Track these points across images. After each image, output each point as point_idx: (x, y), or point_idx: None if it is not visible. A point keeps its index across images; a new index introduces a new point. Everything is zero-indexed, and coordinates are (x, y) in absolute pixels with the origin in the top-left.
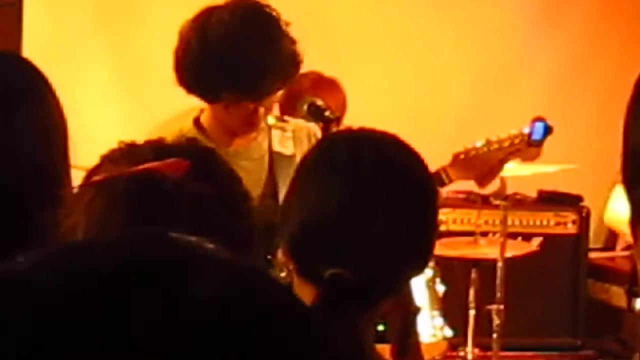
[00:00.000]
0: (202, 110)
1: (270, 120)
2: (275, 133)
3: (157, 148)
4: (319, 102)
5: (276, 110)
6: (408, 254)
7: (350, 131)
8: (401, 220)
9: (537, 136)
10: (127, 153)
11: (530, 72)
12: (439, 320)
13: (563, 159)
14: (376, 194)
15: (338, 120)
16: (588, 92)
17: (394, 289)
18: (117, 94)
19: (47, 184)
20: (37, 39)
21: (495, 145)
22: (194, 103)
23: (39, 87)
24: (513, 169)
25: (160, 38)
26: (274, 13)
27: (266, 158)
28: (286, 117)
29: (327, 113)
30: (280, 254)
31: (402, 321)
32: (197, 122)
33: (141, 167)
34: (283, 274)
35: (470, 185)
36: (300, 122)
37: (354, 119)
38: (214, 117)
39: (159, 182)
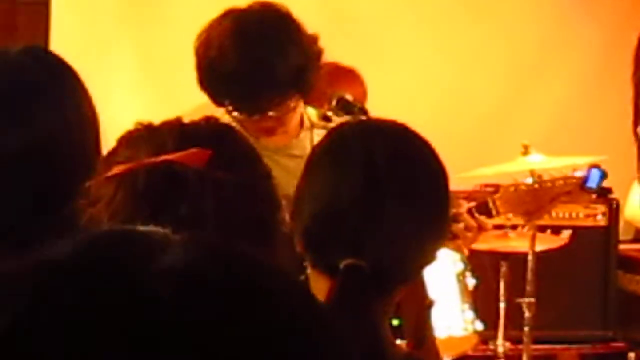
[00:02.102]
0: None
1: (314, 118)
2: (318, 132)
3: (176, 131)
4: (348, 97)
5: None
6: (421, 241)
7: (360, 121)
8: (413, 207)
9: (592, 184)
10: (147, 137)
11: (561, 62)
12: (470, 314)
13: (592, 151)
14: (388, 182)
15: (366, 114)
16: (619, 84)
17: (409, 277)
18: (144, 88)
19: (81, 174)
20: (65, 36)
21: (548, 184)
22: None
23: (66, 79)
24: (541, 162)
25: (186, 33)
26: (287, 22)
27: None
28: (330, 115)
29: (356, 108)
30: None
31: (416, 315)
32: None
33: (162, 158)
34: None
35: (498, 178)
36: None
37: (374, 111)
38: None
39: (182, 174)
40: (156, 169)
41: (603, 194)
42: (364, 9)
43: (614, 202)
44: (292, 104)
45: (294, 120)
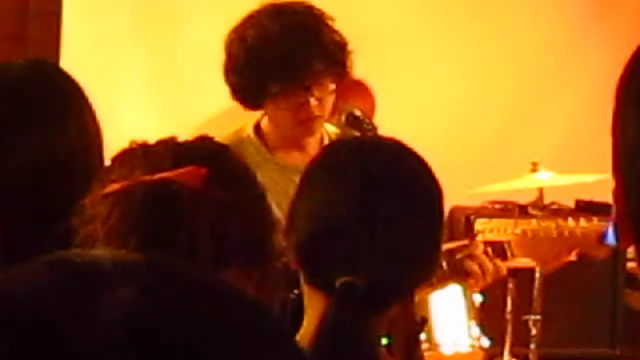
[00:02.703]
0: (263, 115)
1: (334, 136)
2: None
3: (172, 150)
4: (357, 112)
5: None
6: (416, 258)
7: (355, 138)
8: (409, 224)
9: (611, 240)
10: (142, 156)
11: (571, 80)
12: (476, 330)
13: (601, 168)
14: (384, 199)
15: (375, 130)
16: None
17: (404, 294)
18: (155, 101)
19: (82, 192)
20: (76, 47)
21: (566, 234)
22: (230, 110)
23: (68, 94)
24: (550, 179)
25: (198, 46)
26: (313, 9)
27: None
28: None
29: (365, 123)
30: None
31: (406, 334)
32: (257, 127)
33: (158, 176)
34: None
35: (507, 195)
36: None
37: (384, 125)
38: (272, 121)
39: (177, 193)
40: (152, 187)
41: (611, 211)
42: (374, 24)
43: None
44: (331, 87)
45: (327, 109)
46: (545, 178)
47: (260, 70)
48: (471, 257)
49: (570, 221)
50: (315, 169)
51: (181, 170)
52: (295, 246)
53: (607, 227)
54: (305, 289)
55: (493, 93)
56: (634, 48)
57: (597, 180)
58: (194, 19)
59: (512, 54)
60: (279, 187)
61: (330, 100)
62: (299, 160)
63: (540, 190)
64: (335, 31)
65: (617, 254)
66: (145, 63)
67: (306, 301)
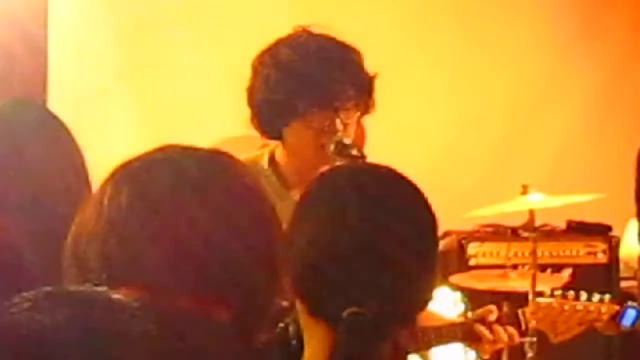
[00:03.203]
0: (276, 146)
1: None
2: None
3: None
4: (346, 140)
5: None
6: (418, 283)
7: (350, 166)
8: (406, 251)
9: (626, 322)
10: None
11: (561, 102)
12: (472, 354)
13: (592, 189)
14: (381, 227)
15: (365, 158)
16: (618, 123)
17: (408, 320)
18: (142, 136)
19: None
20: (62, 83)
21: (580, 307)
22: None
23: (51, 131)
24: (541, 201)
25: (184, 84)
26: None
27: None
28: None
29: (354, 151)
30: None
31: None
32: (272, 159)
33: None
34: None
35: (498, 218)
36: None
37: (374, 151)
38: (289, 148)
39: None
40: None
41: (603, 231)
42: (363, 48)
43: (614, 239)
44: (355, 117)
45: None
46: (536, 200)
47: (291, 84)
48: (484, 322)
49: (584, 297)
50: (311, 199)
51: None
52: (294, 277)
53: (623, 310)
54: (306, 320)
55: (482, 117)
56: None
57: (588, 201)
58: (181, 57)
59: (501, 78)
60: None
61: (352, 131)
62: None
63: (532, 212)
64: (363, 65)
65: (610, 273)
66: (131, 99)
67: (307, 332)
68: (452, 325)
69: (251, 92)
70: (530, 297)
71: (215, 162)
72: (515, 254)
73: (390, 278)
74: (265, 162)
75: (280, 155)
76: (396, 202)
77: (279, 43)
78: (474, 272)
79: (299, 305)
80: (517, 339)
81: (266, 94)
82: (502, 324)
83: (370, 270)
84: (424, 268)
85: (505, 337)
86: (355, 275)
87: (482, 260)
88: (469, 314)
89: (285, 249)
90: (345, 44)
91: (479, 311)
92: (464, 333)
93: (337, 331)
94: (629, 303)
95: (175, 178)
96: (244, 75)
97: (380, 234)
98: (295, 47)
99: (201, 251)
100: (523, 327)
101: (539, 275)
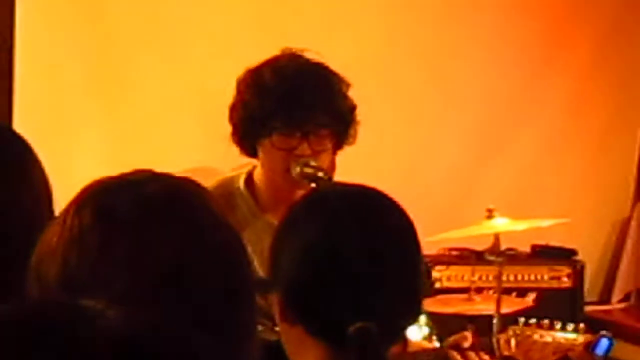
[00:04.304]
0: (254, 167)
1: None
2: None
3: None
4: (313, 163)
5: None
6: (410, 292)
7: (338, 183)
8: (400, 261)
9: (600, 351)
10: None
11: (525, 126)
12: None
13: (556, 213)
14: (376, 238)
15: (331, 180)
16: (583, 147)
17: (401, 336)
18: (109, 152)
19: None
20: (29, 109)
21: (554, 336)
22: (188, 173)
23: (17, 154)
24: (506, 225)
25: (153, 106)
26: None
27: None
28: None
29: (320, 174)
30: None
31: None
32: (248, 180)
33: None
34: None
35: (463, 242)
36: None
37: (338, 174)
38: (263, 167)
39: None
40: None
41: (568, 255)
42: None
43: (579, 264)
44: (328, 145)
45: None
46: (501, 224)
47: (265, 104)
48: (458, 348)
49: (559, 326)
50: (302, 213)
51: None
52: (285, 292)
53: (597, 339)
54: (301, 341)
55: (446, 141)
56: (586, 94)
57: (552, 225)
58: (150, 78)
59: (464, 102)
60: (266, 245)
61: (326, 159)
62: None
63: (497, 236)
64: (347, 95)
65: (575, 298)
66: (99, 114)
67: (299, 354)
68: (426, 350)
69: (231, 108)
70: (495, 320)
71: (180, 188)
72: (480, 278)
73: (386, 289)
74: (241, 182)
75: (257, 174)
76: (386, 215)
77: (264, 63)
78: (439, 296)
79: (284, 327)
80: None
81: (242, 111)
82: (475, 351)
83: (368, 284)
84: (415, 274)
85: None
86: (357, 289)
87: (447, 284)
88: (434, 338)
89: (274, 264)
90: (330, 71)
91: (453, 337)
92: (439, 359)
93: (345, 348)
94: (603, 332)
95: (138, 201)
96: (214, 96)
97: (376, 247)
98: (275, 68)
99: (164, 273)
100: (497, 354)
101: (504, 298)
